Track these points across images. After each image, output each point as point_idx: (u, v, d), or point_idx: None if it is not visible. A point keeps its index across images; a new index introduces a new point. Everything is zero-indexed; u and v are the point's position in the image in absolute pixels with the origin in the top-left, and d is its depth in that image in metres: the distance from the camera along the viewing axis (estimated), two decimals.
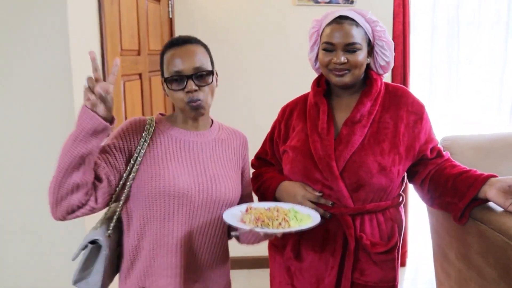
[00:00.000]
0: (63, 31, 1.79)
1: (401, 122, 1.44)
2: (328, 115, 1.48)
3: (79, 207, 1.19)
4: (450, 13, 3.14)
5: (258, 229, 1.22)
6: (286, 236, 1.50)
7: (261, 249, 1.82)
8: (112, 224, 1.31)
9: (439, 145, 1.50)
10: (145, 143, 1.30)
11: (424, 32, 3.16)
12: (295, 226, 1.24)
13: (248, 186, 1.50)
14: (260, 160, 1.70)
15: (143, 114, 2.52)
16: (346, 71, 1.42)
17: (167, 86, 1.30)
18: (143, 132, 1.32)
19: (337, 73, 1.42)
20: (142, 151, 1.29)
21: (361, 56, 1.43)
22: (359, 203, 1.42)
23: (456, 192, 1.38)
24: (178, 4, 2.95)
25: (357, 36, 1.42)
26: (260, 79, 3.06)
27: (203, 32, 2.86)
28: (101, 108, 1.14)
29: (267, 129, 1.70)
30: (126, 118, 2.30)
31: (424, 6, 3.13)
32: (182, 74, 1.28)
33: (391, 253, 1.47)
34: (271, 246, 1.64)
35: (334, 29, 1.42)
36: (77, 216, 1.21)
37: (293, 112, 1.60)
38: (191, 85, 1.27)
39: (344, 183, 1.40)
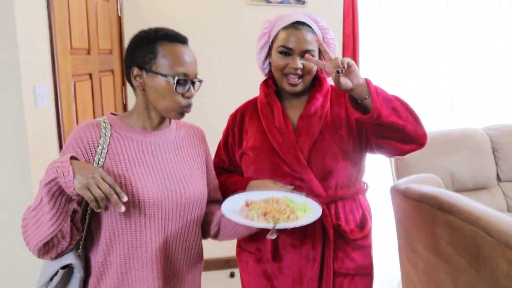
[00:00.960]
0: (10, 30, 1.67)
1: (351, 113, 1.45)
2: (282, 113, 1.49)
3: (67, 248, 1.17)
4: (396, 13, 3.28)
5: (280, 225, 1.16)
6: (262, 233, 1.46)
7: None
8: (81, 243, 1.21)
9: None
10: (103, 151, 1.18)
11: (373, 33, 3.27)
12: (303, 216, 1.20)
13: (214, 180, 1.45)
14: (218, 169, 1.63)
15: (94, 115, 2.39)
16: (299, 80, 1.44)
17: (170, 86, 1.17)
18: (100, 139, 1.19)
19: (291, 81, 1.44)
20: (101, 160, 1.17)
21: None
22: (330, 191, 1.44)
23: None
24: (127, 2, 2.83)
25: (313, 42, 1.44)
26: (211, 79, 3.01)
27: None
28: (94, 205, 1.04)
29: (221, 130, 1.66)
30: (77, 120, 2.17)
31: (371, 8, 3.24)
32: (188, 78, 1.19)
33: (367, 239, 1.50)
34: (241, 251, 1.59)
35: (291, 33, 1.43)
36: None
37: (244, 116, 1.59)
38: (192, 91, 1.20)
39: (312, 172, 1.41)
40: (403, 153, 1.42)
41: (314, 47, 1.44)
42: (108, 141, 1.19)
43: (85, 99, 2.26)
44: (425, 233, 1.53)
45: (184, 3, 2.91)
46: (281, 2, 2.95)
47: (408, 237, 1.67)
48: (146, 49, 1.18)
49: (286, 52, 1.43)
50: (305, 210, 1.23)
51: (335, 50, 1.53)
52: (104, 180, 1.03)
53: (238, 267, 1.64)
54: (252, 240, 1.52)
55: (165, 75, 1.17)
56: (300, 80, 1.45)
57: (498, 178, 3.12)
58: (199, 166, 1.34)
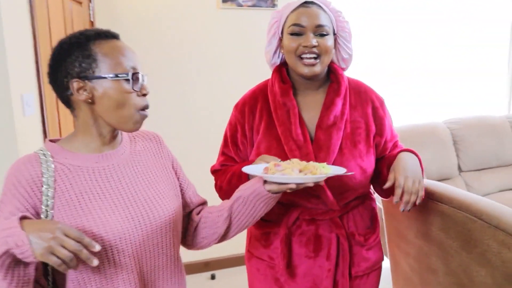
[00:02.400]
0: None
1: (370, 120, 1.43)
2: (299, 120, 1.39)
3: None
4: (363, 17, 3.44)
5: (322, 176, 1.10)
6: (270, 238, 1.47)
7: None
8: None
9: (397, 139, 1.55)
10: (49, 190, 0.99)
11: None
12: (330, 171, 1.15)
13: (189, 184, 1.29)
14: (224, 167, 1.52)
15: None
16: (317, 60, 1.34)
17: (123, 87, 1.01)
18: (42, 176, 0.99)
19: (307, 61, 1.34)
20: (50, 201, 0.99)
21: (330, 41, 1.36)
22: (344, 204, 1.44)
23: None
24: (99, 6, 2.80)
25: (325, 20, 1.35)
26: (184, 82, 3.03)
27: (125, 34, 2.76)
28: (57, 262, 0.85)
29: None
30: (60, 129, 2.14)
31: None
32: (138, 72, 1.03)
33: (378, 234, 1.54)
34: (252, 257, 1.54)
35: (302, 12, 1.35)
36: None
37: (254, 111, 1.44)
38: (147, 86, 1.05)
39: (329, 189, 1.36)
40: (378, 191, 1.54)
41: (327, 23, 1.35)
42: (53, 176, 1.01)
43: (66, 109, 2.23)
44: (416, 221, 1.65)
45: (154, 7, 2.90)
46: (252, 6, 3.01)
47: (398, 227, 1.78)
48: (80, 55, 1.00)
49: (298, 31, 1.34)
50: (324, 168, 1.18)
51: (350, 35, 1.44)
52: (68, 235, 0.86)
53: (246, 272, 1.59)
54: (264, 247, 1.49)
55: (116, 75, 1.00)
56: (318, 61, 1.34)
57: (459, 169, 3.34)
58: (166, 178, 1.19)
